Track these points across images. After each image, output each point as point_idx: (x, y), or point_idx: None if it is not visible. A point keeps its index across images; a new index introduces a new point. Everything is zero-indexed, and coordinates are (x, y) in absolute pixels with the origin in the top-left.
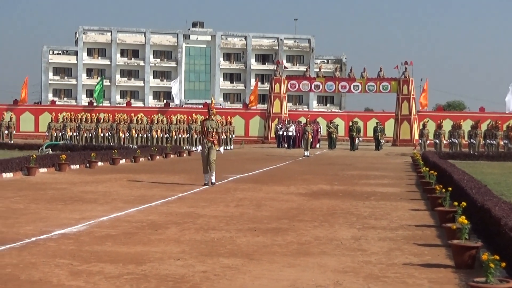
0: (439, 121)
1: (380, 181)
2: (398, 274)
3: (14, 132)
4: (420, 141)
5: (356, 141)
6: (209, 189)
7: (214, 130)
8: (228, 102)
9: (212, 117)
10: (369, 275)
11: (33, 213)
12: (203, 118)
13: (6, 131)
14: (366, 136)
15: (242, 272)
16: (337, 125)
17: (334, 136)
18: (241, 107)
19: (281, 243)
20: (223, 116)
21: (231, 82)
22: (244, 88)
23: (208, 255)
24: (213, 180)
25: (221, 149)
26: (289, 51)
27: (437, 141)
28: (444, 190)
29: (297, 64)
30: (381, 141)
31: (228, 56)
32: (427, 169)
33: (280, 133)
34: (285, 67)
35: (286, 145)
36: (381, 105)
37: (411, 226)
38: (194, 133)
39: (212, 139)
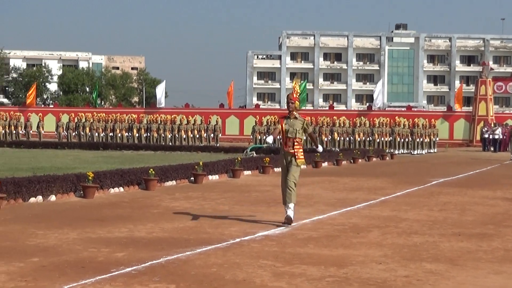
0: None
1: None
2: None
3: (220, 135)
4: None
5: None
6: (411, 193)
7: (296, 135)
8: (432, 105)
9: (295, 113)
10: None
11: (238, 215)
12: (276, 118)
13: (212, 135)
14: None
15: (446, 277)
16: None
17: None
18: (445, 110)
19: (486, 249)
20: (426, 119)
21: (435, 84)
22: (448, 90)
23: (410, 260)
24: (290, 214)
25: (320, 148)
26: (496, 52)
27: None
28: None
29: (504, 65)
30: None
31: (432, 58)
32: None
33: (486, 136)
34: (491, 69)
35: (492, 149)
36: None
37: None
38: (397, 136)
39: (293, 151)
